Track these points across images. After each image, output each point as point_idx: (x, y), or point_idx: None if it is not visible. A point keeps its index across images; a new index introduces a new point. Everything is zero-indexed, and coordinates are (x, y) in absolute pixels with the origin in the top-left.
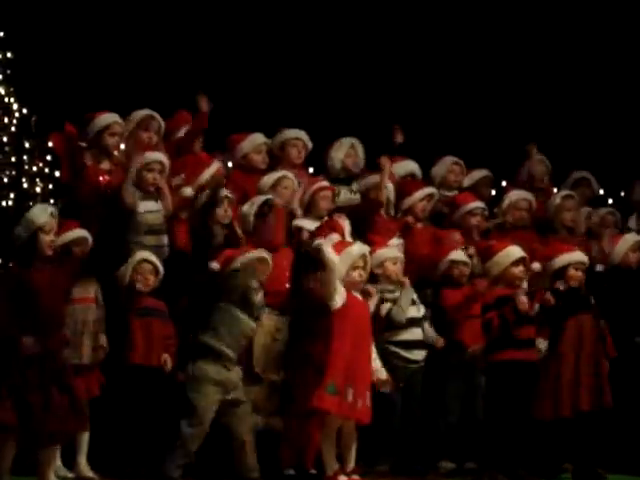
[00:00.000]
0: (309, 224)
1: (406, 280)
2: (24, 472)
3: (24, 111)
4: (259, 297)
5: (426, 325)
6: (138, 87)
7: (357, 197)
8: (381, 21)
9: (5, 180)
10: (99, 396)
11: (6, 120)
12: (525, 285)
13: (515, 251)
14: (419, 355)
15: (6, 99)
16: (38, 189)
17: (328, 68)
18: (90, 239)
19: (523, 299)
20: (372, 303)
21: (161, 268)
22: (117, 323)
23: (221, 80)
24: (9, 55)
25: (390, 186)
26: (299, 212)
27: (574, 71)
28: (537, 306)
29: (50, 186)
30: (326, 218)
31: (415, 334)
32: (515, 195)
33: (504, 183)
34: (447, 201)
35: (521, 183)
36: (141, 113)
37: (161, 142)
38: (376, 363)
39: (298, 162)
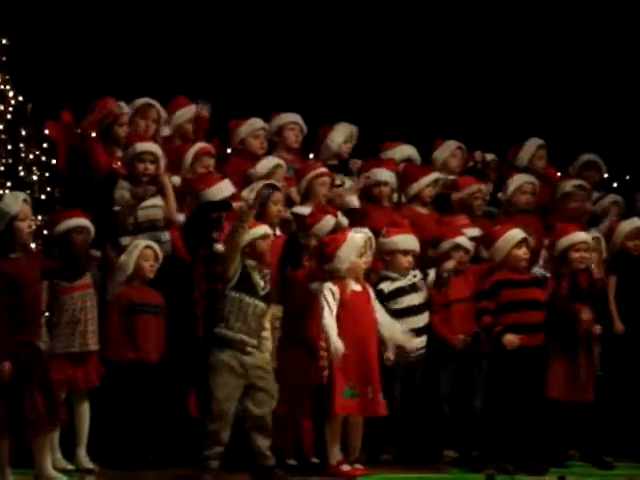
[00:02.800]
0: (307, 211)
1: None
2: (22, 465)
3: (20, 98)
4: (262, 276)
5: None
6: (135, 74)
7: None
8: (381, 7)
9: (1, 168)
10: (98, 387)
11: (2, 108)
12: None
13: (516, 233)
14: (420, 342)
15: (1, 86)
16: (34, 177)
17: (326, 52)
18: (92, 228)
19: None
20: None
21: (160, 254)
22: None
23: (220, 66)
24: (4, 42)
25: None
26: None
27: (579, 54)
28: None
29: (47, 174)
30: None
31: (416, 322)
32: (520, 179)
33: None
34: (448, 185)
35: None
36: (139, 101)
37: (158, 131)
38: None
39: (295, 146)
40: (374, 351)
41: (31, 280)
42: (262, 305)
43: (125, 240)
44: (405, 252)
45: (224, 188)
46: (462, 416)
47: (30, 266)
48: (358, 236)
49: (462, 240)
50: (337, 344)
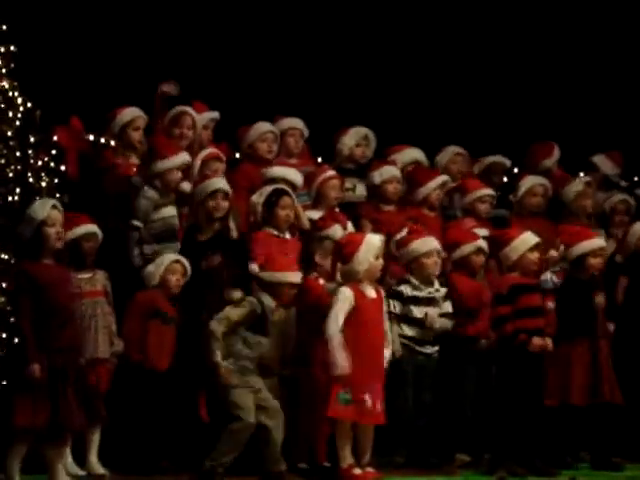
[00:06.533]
0: (318, 215)
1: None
2: (34, 471)
3: (28, 105)
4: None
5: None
6: (144, 80)
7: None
8: (388, 11)
9: (10, 175)
10: (108, 393)
11: (10, 114)
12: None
13: (531, 237)
14: (431, 349)
15: (10, 93)
16: (44, 183)
17: (336, 55)
18: (100, 234)
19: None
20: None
21: (189, 269)
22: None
23: (230, 71)
24: (12, 48)
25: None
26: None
27: (585, 57)
28: None
29: (56, 180)
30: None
31: (423, 334)
32: (531, 181)
33: (516, 170)
34: (453, 188)
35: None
36: (173, 110)
37: (195, 137)
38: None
39: (296, 152)
40: (381, 360)
41: (59, 286)
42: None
43: (147, 249)
44: (428, 255)
45: (210, 184)
46: (475, 419)
47: (59, 272)
48: (376, 237)
49: (482, 243)
50: (342, 362)
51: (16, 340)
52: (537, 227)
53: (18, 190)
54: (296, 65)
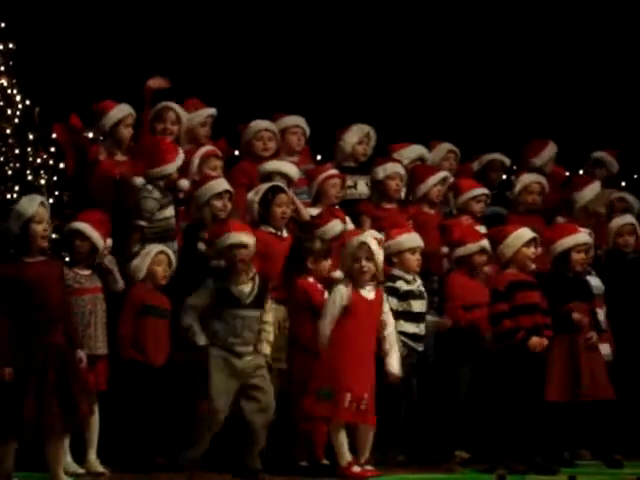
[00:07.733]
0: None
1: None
2: (33, 468)
3: (27, 102)
4: (244, 284)
5: (428, 316)
6: (141, 77)
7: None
8: (388, 9)
9: (9, 173)
10: (107, 390)
11: (9, 112)
12: (533, 266)
13: (526, 232)
14: (422, 347)
15: (9, 90)
16: (42, 181)
17: (336, 54)
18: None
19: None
20: None
21: (174, 259)
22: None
23: (232, 67)
24: (11, 46)
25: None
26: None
27: (585, 54)
28: None
29: (55, 178)
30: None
31: (422, 329)
32: (527, 178)
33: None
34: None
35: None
36: (157, 105)
37: (181, 134)
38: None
39: (298, 150)
40: (369, 360)
41: (46, 283)
42: (251, 313)
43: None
44: (412, 250)
45: (217, 184)
46: (474, 417)
47: (47, 269)
48: (353, 240)
49: (486, 243)
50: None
51: None
52: (533, 224)
53: (17, 188)
54: (296, 62)
